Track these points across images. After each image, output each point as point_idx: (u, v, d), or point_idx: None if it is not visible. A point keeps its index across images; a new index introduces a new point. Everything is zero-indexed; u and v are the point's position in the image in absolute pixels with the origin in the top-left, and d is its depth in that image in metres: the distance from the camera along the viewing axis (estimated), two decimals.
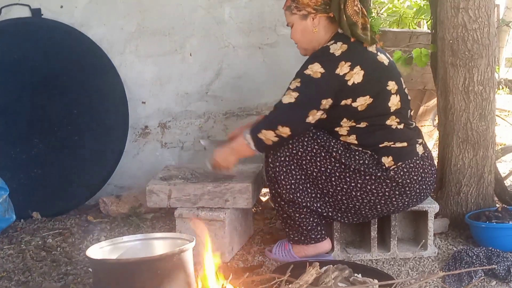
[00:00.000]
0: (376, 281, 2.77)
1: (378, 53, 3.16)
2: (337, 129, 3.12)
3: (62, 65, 4.20)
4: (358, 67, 3.02)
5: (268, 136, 3.05)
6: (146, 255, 2.69)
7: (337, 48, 3.05)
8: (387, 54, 3.25)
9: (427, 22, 5.74)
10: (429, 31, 4.36)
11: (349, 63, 3.01)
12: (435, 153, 4.20)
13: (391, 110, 3.10)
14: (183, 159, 4.48)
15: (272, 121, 3.07)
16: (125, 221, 4.00)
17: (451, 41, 3.53)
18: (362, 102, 3.05)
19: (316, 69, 3.02)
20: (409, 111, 3.23)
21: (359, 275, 2.81)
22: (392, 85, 3.11)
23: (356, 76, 3.02)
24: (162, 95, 4.44)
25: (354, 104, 3.05)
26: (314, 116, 3.04)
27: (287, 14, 3.23)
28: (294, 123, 3.04)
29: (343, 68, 3.01)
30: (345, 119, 3.09)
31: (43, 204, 4.16)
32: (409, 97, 3.22)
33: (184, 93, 4.45)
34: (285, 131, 3.03)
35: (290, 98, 3.04)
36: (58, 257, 3.48)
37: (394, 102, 3.10)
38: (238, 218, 3.46)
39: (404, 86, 3.20)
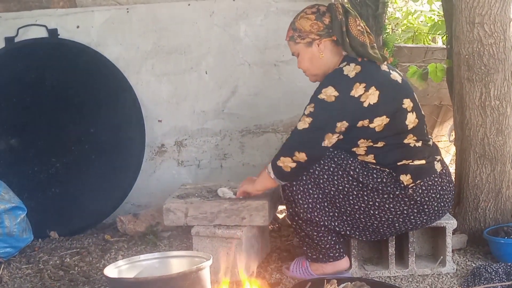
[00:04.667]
0: None
1: (391, 71, 3.15)
2: (354, 149, 3.10)
3: (79, 84, 4.25)
4: (373, 87, 3.00)
5: (286, 163, 3.05)
6: (164, 274, 2.69)
7: (350, 70, 3.03)
8: (398, 71, 3.23)
9: (442, 38, 5.72)
10: (444, 46, 4.34)
11: (364, 84, 2.99)
12: (452, 169, 4.17)
13: (409, 128, 3.07)
14: (200, 177, 4.48)
15: (288, 148, 3.07)
16: (142, 240, 4.01)
17: (467, 56, 3.52)
18: (379, 123, 3.03)
19: (330, 93, 3.00)
20: (425, 126, 3.22)
21: None
22: (407, 103, 3.09)
23: (372, 96, 3.00)
24: (178, 113, 4.46)
25: (371, 125, 3.02)
26: (330, 140, 3.03)
27: (291, 45, 3.22)
28: (310, 148, 3.03)
29: (358, 90, 2.99)
30: (362, 140, 3.07)
31: (61, 223, 4.18)
32: (423, 113, 3.21)
33: (200, 111, 4.46)
34: (301, 156, 3.02)
35: (304, 124, 3.03)
36: (75, 276, 3.48)
37: (411, 119, 3.08)
38: (255, 235, 3.46)
39: (418, 102, 3.19)
